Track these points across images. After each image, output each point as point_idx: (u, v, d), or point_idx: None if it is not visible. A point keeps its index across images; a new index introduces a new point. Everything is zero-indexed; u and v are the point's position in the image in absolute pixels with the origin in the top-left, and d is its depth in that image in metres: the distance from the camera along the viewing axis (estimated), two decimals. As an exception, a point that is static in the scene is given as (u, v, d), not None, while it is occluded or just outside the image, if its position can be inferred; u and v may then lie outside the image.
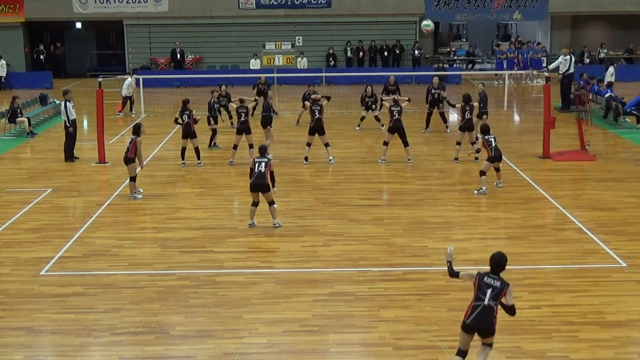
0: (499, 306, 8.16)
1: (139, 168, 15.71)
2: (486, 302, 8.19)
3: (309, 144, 18.81)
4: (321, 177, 17.57)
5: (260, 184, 13.36)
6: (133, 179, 15.63)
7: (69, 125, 19.19)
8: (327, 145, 18.77)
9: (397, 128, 18.28)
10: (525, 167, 18.14)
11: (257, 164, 13.43)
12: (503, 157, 18.95)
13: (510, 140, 20.84)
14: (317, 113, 18.58)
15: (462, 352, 8.37)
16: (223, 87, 22.39)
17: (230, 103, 19.92)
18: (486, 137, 15.69)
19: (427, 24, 23.21)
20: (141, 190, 15.93)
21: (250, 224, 13.74)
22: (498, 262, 8.32)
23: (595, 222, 13.89)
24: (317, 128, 18.59)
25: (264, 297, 10.74)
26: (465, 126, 18.64)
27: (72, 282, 11.40)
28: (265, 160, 13.47)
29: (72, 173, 18.29)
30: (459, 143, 18.78)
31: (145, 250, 12.76)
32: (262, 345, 9.31)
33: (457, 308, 10.26)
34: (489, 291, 8.20)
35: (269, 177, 13.38)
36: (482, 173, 15.69)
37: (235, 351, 9.14)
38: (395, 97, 19.05)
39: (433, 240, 13.06)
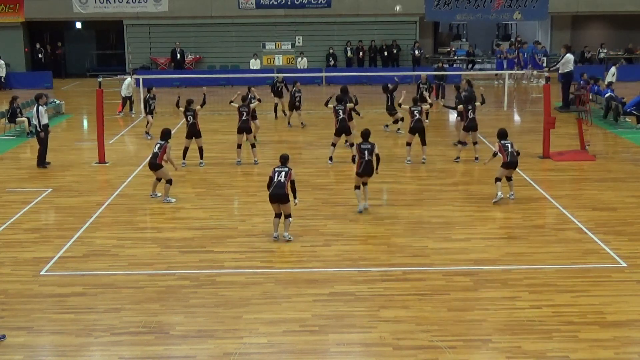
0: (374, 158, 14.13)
1: (174, 169, 15.76)
2: (367, 157, 14.18)
3: (333, 144, 18.87)
4: (321, 177, 17.56)
5: (279, 195, 12.81)
6: (170, 181, 15.48)
7: (39, 130, 18.59)
8: (352, 145, 18.78)
9: (417, 128, 18.32)
10: (525, 167, 18.12)
11: (276, 174, 12.91)
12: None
13: (510, 140, 20.81)
14: (341, 113, 18.69)
15: (359, 187, 14.54)
16: (154, 90, 22.91)
17: (232, 102, 19.87)
18: (502, 141, 15.17)
19: None
20: (158, 195, 15.86)
21: (274, 237, 13.07)
22: (366, 133, 14.44)
23: (595, 222, 13.89)
24: (343, 128, 18.69)
25: (264, 297, 10.74)
26: (470, 126, 18.64)
27: (72, 282, 11.40)
28: (286, 169, 12.93)
29: (72, 173, 18.29)
30: (463, 143, 18.81)
31: (145, 250, 12.76)
32: (262, 345, 9.31)
33: (457, 308, 10.29)
34: (366, 151, 14.16)
35: (288, 187, 12.86)
36: (497, 179, 15.09)
37: (235, 351, 9.14)
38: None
39: (433, 240, 13.06)
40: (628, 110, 23.69)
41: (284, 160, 13.15)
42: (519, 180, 16.94)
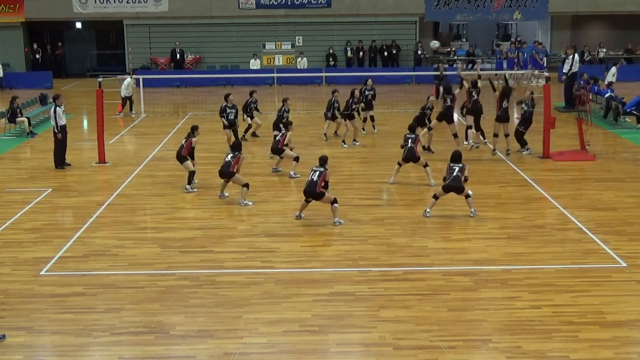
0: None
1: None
2: (409, 145, 16.20)
3: (456, 135, 19.19)
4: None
5: (311, 192, 13.80)
6: (246, 185, 15.38)
7: (57, 131, 18.49)
8: (455, 135, 19.14)
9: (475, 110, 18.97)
10: (525, 167, 18.14)
11: (312, 172, 13.91)
12: (504, 158, 19.02)
13: (511, 140, 20.83)
14: (449, 101, 19.17)
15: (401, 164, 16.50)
16: (231, 97, 20.31)
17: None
18: (452, 164, 14.17)
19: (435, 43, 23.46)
20: (226, 195, 15.75)
21: (296, 216, 14.19)
22: (413, 125, 16.83)
23: (595, 222, 13.89)
24: (445, 115, 19.11)
25: (264, 297, 10.74)
26: (502, 117, 18.91)
27: (72, 282, 11.40)
28: (321, 170, 13.86)
29: (72, 173, 18.29)
30: (496, 135, 19.06)
31: (145, 250, 12.76)
32: (262, 345, 9.31)
33: (457, 308, 10.29)
34: (409, 140, 16.19)
35: (321, 186, 13.74)
36: (435, 197, 14.37)
37: (235, 351, 9.14)
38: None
39: (433, 240, 13.07)
40: (628, 110, 23.68)
41: (323, 161, 14.11)
42: (519, 180, 16.96)
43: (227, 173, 15.38)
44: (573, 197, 15.63)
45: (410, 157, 16.31)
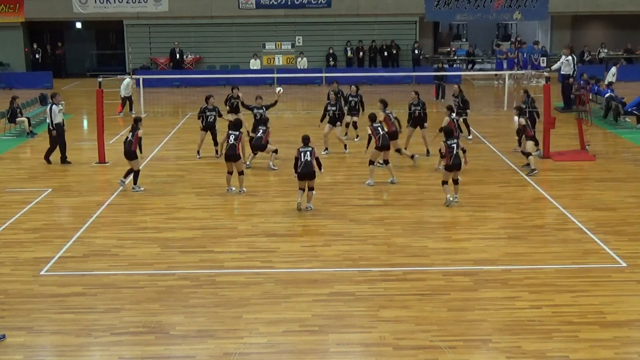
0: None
1: (243, 161, 16.19)
2: (381, 133, 15.98)
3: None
4: (321, 177, 17.53)
5: (309, 173, 14.27)
6: (242, 172, 15.97)
7: (52, 128, 18.72)
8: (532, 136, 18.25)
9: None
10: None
11: (302, 154, 14.26)
12: (503, 157, 19.02)
13: (511, 140, 20.80)
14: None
15: (373, 163, 16.50)
16: (212, 100, 19.44)
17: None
18: (449, 141, 14.69)
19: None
20: (233, 189, 16.02)
21: (299, 208, 14.48)
22: (372, 116, 16.49)
23: (595, 222, 13.89)
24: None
25: (264, 297, 10.74)
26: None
27: (72, 282, 11.40)
28: (310, 149, 14.31)
29: (72, 173, 18.29)
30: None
31: (145, 250, 12.76)
32: (262, 345, 9.31)
33: (457, 308, 10.29)
34: (379, 128, 16.18)
35: (315, 165, 14.25)
36: (444, 182, 14.88)
37: (235, 351, 9.14)
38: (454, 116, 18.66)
39: (433, 240, 13.07)
40: (628, 110, 23.68)
41: (307, 140, 14.48)
42: (519, 180, 16.96)
43: (234, 156, 15.62)
44: (573, 197, 15.63)
45: (386, 144, 16.35)
